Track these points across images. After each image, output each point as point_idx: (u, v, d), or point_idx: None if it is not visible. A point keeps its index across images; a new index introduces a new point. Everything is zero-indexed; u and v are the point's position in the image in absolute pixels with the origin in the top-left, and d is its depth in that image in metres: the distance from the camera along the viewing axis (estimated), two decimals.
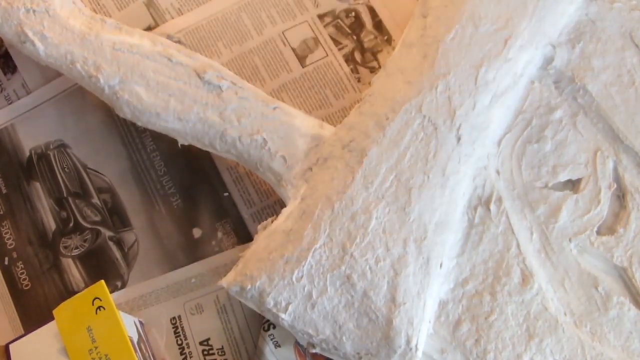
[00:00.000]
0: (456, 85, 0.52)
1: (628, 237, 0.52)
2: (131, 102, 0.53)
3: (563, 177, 0.53)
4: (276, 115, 0.53)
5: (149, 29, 0.62)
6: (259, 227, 0.52)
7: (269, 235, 0.50)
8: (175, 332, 0.55)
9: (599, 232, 0.52)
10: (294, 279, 0.48)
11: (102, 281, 0.47)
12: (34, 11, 0.54)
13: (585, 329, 0.50)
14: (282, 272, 0.48)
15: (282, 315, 0.48)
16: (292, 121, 0.53)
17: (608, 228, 0.53)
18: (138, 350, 0.48)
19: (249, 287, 0.48)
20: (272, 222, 0.52)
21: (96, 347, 0.46)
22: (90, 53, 0.53)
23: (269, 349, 0.52)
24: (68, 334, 0.47)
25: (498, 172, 0.53)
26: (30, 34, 0.53)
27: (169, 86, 0.53)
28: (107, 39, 0.54)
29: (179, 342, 0.55)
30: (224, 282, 0.50)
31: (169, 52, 0.54)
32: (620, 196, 0.53)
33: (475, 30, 0.53)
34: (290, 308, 0.48)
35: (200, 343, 0.55)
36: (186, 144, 0.54)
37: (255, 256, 0.50)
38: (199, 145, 0.54)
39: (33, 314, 0.58)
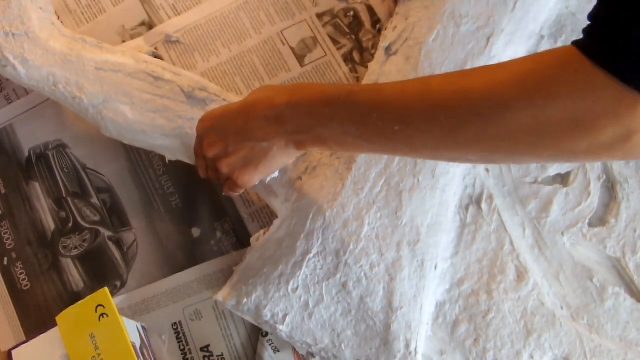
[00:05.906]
0: None
1: (620, 227, 0.52)
2: (116, 121, 0.52)
3: (552, 171, 0.54)
4: None
5: (143, 24, 0.62)
6: (252, 239, 0.52)
7: (262, 247, 0.50)
8: (177, 338, 0.55)
9: (590, 224, 0.52)
10: (289, 290, 0.48)
11: (106, 288, 0.47)
12: (13, 35, 0.53)
13: (583, 322, 0.50)
14: (278, 283, 0.48)
15: (280, 327, 0.48)
16: None
17: (599, 219, 0.53)
18: (141, 356, 0.48)
19: (245, 300, 0.48)
20: (264, 233, 0.52)
21: (99, 354, 0.46)
22: (73, 74, 0.53)
23: (267, 354, 0.52)
24: (71, 341, 0.47)
25: (487, 170, 0.53)
26: (10, 57, 0.53)
27: (154, 103, 0.52)
28: (89, 59, 0.53)
29: (182, 347, 0.55)
30: (220, 296, 0.50)
31: (152, 69, 0.53)
32: (610, 187, 0.54)
33: (457, 29, 0.53)
34: (287, 319, 0.48)
35: (201, 349, 0.55)
36: (174, 159, 0.54)
37: (250, 269, 0.50)
38: (187, 161, 0.54)
39: (32, 314, 0.57)
